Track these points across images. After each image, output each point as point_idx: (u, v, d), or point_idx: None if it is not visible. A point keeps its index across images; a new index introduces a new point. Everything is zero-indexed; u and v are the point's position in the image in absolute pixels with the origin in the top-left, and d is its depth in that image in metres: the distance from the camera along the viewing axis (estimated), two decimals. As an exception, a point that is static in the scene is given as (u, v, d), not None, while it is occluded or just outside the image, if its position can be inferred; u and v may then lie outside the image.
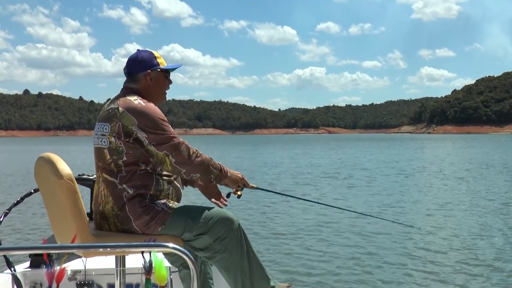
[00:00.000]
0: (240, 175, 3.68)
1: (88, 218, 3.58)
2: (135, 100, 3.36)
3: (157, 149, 3.31)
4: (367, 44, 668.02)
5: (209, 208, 3.56)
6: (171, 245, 2.34)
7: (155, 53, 3.60)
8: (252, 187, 3.82)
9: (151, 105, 3.39)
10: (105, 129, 3.36)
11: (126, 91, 3.50)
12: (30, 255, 4.21)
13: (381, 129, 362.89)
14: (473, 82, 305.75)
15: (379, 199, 15.86)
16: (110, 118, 3.35)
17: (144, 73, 3.51)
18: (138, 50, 3.61)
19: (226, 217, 3.51)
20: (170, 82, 3.68)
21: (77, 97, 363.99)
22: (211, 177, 3.48)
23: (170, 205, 3.42)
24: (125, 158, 3.33)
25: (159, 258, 2.45)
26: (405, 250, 9.31)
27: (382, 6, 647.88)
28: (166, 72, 3.63)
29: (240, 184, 3.68)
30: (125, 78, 3.60)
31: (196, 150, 3.42)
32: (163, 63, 3.60)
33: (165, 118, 3.39)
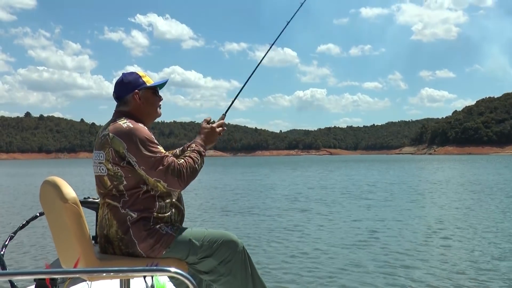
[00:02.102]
0: (208, 133, 3.74)
1: (93, 241, 3.59)
2: (124, 123, 3.39)
3: (147, 175, 3.34)
4: (367, 65, 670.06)
5: (213, 231, 3.57)
6: (173, 269, 2.33)
7: (140, 73, 3.63)
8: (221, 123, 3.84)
9: (139, 126, 3.41)
10: (101, 156, 3.40)
11: (117, 115, 3.53)
12: (34, 279, 4.21)
13: (382, 150, 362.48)
14: (473, 103, 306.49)
15: (377, 221, 15.81)
16: (103, 145, 3.39)
17: (132, 94, 3.54)
18: (123, 73, 3.65)
19: (231, 240, 3.52)
20: (160, 98, 3.69)
21: (78, 119, 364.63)
22: (201, 164, 3.55)
23: (175, 228, 3.44)
24: (125, 182, 3.36)
25: (161, 282, 2.46)
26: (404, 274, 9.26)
27: (382, 27, 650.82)
28: (154, 89, 3.65)
29: (215, 137, 3.77)
30: (117, 103, 3.63)
31: (184, 162, 3.43)
32: (149, 81, 3.62)
33: (153, 139, 3.40)
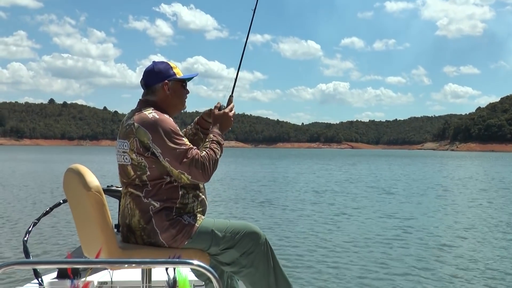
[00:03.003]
0: (223, 119, 3.67)
1: (116, 230, 3.58)
2: (150, 114, 3.36)
3: (172, 167, 3.32)
4: (391, 59, 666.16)
5: (236, 222, 3.56)
6: (195, 262, 2.29)
7: (171, 64, 3.60)
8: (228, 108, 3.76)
9: (165, 117, 3.38)
10: (125, 146, 3.38)
11: (142, 104, 3.50)
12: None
13: (404, 145, 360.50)
14: (497, 99, 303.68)
15: (400, 215, 15.71)
16: (127, 135, 3.37)
17: (161, 83, 3.51)
18: (153, 61, 3.62)
19: (253, 231, 3.50)
20: (187, 91, 3.67)
21: (101, 107, 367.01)
22: (221, 154, 3.54)
23: (197, 218, 3.42)
24: (148, 173, 3.34)
25: (183, 275, 2.43)
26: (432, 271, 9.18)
27: (407, 22, 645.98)
28: (183, 81, 3.62)
29: (230, 121, 3.70)
30: (143, 91, 3.61)
31: (206, 154, 3.40)
32: (179, 73, 3.59)
33: (178, 130, 3.38)
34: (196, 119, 3.94)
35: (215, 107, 3.74)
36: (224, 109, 3.71)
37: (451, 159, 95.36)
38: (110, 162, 50.55)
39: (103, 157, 73.79)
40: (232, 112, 3.73)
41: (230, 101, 3.80)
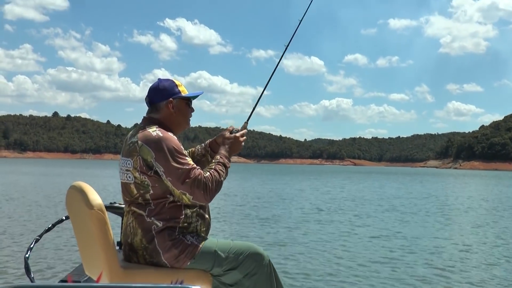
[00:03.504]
0: (232, 143, 3.67)
1: (118, 247, 3.55)
2: (154, 132, 3.34)
3: (173, 186, 3.29)
4: (394, 76, 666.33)
5: (239, 243, 3.52)
6: None
7: (176, 81, 3.59)
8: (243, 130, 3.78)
9: (169, 135, 3.36)
10: (128, 164, 3.36)
11: (147, 122, 3.48)
12: None
13: (407, 163, 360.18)
14: (501, 118, 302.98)
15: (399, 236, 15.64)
16: (131, 153, 3.35)
17: (166, 101, 3.50)
18: (159, 79, 3.61)
19: (257, 253, 3.46)
20: (192, 110, 3.66)
21: (104, 121, 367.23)
22: (225, 176, 3.50)
23: (200, 238, 3.39)
24: (151, 192, 3.32)
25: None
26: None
27: (410, 39, 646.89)
28: (188, 100, 3.61)
29: (239, 146, 3.71)
30: (148, 108, 3.59)
31: (210, 175, 3.36)
32: (184, 91, 3.59)
33: (182, 149, 3.36)
34: (208, 141, 3.92)
35: (227, 129, 3.73)
36: (235, 133, 3.69)
37: (455, 177, 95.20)
38: (113, 176, 50.48)
39: (106, 171, 73.76)
40: (243, 138, 3.72)
41: (244, 127, 3.80)
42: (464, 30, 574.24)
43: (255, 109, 4.03)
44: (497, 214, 22.95)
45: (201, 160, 3.83)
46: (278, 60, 4.26)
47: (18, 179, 44.82)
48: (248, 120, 3.89)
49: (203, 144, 3.93)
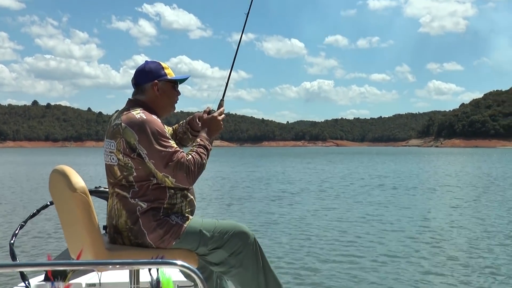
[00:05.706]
0: (211, 124, 3.61)
1: (104, 231, 3.54)
2: (137, 114, 3.32)
3: (156, 169, 3.27)
4: (375, 57, 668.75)
5: (224, 222, 3.53)
6: (179, 262, 2.23)
7: (163, 64, 3.56)
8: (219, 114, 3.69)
9: (152, 118, 3.33)
10: (112, 146, 3.34)
11: (131, 104, 3.46)
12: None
13: (389, 142, 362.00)
14: (481, 96, 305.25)
15: (385, 213, 15.77)
16: (114, 135, 3.33)
17: (151, 83, 3.47)
18: (146, 61, 3.59)
19: (242, 231, 3.46)
20: (178, 93, 3.63)
21: (85, 108, 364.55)
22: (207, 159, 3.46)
23: (185, 218, 3.38)
24: (135, 174, 3.30)
25: (166, 275, 2.39)
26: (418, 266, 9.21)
27: (390, 19, 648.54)
28: (174, 83, 3.58)
29: (219, 126, 3.63)
30: (133, 90, 3.57)
31: (192, 158, 3.34)
32: (171, 74, 3.56)
33: (165, 132, 3.33)
34: (188, 118, 3.88)
35: (205, 111, 3.69)
36: (213, 113, 3.67)
37: (436, 155, 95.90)
38: (96, 163, 50.28)
39: (88, 158, 73.39)
40: (222, 116, 3.67)
41: (220, 105, 3.75)
42: (443, 9, 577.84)
43: (228, 84, 3.93)
44: (477, 191, 23.21)
45: (183, 137, 3.83)
46: (242, 29, 4.22)
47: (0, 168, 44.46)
48: (223, 97, 3.81)
49: (183, 122, 3.91)
